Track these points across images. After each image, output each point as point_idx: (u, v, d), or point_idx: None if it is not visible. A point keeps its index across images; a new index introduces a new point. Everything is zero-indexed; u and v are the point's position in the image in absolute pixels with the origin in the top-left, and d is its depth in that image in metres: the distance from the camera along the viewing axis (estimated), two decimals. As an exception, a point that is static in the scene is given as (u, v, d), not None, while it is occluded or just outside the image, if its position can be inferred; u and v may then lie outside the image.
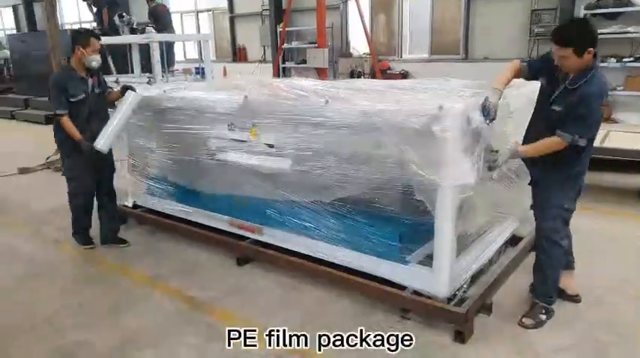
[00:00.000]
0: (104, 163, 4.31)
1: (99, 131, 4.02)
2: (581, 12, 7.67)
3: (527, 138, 3.08)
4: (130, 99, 4.14)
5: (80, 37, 4.06)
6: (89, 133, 4.01)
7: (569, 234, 3.20)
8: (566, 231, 3.12)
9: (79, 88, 4.03)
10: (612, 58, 7.62)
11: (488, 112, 2.76)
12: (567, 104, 2.79)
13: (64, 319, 3.34)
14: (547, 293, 3.13)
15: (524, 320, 3.09)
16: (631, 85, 7.52)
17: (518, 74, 3.10)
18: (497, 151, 2.88)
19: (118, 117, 4.09)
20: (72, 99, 3.99)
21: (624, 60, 7.52)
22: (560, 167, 2.95)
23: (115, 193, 4.55)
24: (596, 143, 5.39)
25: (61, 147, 4.24)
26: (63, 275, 4.02)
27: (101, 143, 3.98)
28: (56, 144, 4.27)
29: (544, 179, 3.07)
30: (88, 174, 4.22)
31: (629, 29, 7.43)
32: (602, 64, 7.66)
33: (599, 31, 7.41)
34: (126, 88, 4.22)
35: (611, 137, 5.79)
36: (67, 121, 3.99)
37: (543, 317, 3.08)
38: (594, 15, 7.70)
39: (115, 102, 4.30)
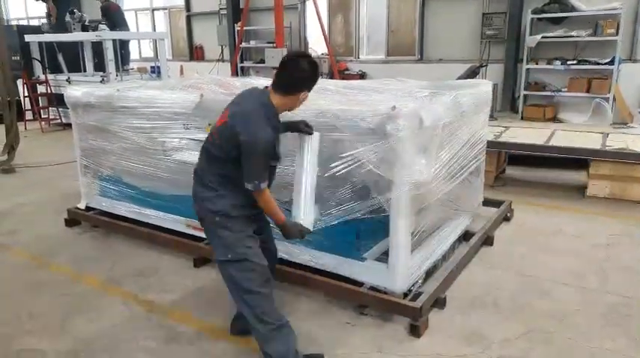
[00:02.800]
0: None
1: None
2: (528, 16, 8.00)
3: None
4: (313, 147, 2.80)
5: (313, 76, 2.55)
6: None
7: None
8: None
9: (279, 144, 2.65)
10: (557, 61, 7.97)
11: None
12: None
13: (12, 328, 3.21)
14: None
15: None
16: (574, 87, 7.89)
17: None
18: None
19: (311, 179, 2.77)
20: (272, 164, 2.63)
21: (568, 62, 7.88)
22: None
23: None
24: (542, 141, 5.72)
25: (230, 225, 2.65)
26: (10, 281, 3.86)
27: (308, 220, 2.73)
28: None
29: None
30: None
31: (573, 33, 7.80)
32: (548, 67, 8.05)
33: (545, 34, 7.84)
34: (298, 130, 2.78)
35: (556, 136, 6.08)
36: (269, 197, 2.56)
37: None
38: (540, 19, 8.04)
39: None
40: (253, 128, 2.39)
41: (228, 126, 2.48)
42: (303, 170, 2.76)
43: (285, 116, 2.69)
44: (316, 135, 2.79)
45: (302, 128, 2.75)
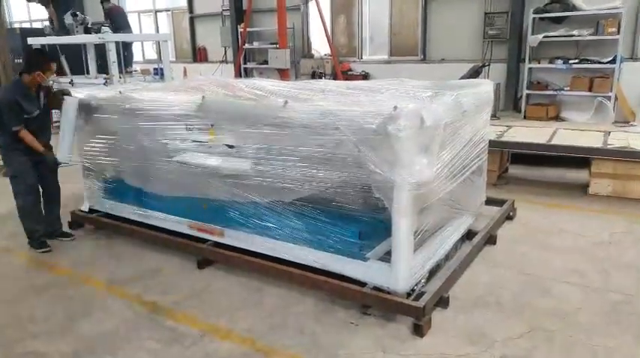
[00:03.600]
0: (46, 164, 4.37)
1: (44, 139, 4.27)
2: (530, 15, 7.99)
3: None
4: (69, 107, 4.34)
5: (41, 62, 4.14)
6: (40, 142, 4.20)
7: None
8: None
9: (34, 105, 4.18)
10: (559, 60, 7.97)
11: None
12: None
13: (14, 331, 3.23)
14: None
15: None
16: (577, 86, 7.88)
17: None
18: None
19: (67, 127, 4.34)
20: (27, 116, 4.12)
21: (570, 62, 7.88)
22: None
23: (59, 188, 4.59)
24: (545, 140, 5.72)
25: (12, 157, 4.26)
26: (13, 283, 3.88)
27: (64, 156, 4.33)
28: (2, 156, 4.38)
29: None
30: (35, 175, 4.32)
31: (574, 32, 7.79)
32: (550, 66, 8.04)
33: (547, 34, 7.84)
34: (62, 94, 4.38)
35: (559, 135, 6.08)
36: (26, 134, 4.14)
37: None
38: (542, 19, 8.04)
39: (58, 110, 4.47)
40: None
41: None
42: (64, 122, 4.35)
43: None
44: (74, 98, 4.37)
45: (64, 91, 4.43)
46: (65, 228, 4.76)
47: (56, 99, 4.37)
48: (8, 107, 4.05)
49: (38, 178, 4.37)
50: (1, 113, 4.08)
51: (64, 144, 4.32)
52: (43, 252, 4.37)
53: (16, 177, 4.29)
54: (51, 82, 4.28)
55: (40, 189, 4.45)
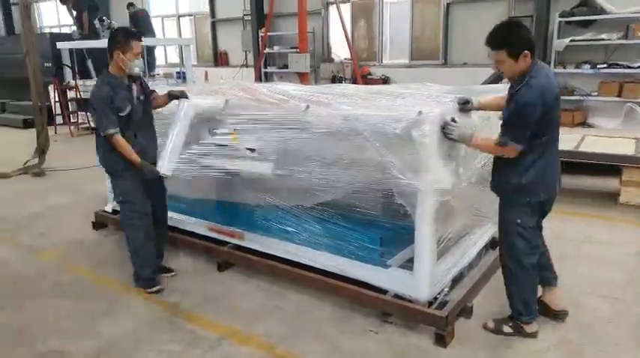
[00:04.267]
0: (156, 182, 3.62)
1: (147, 145, 3.56)
2: (556, 19, 7.84)
3: None
4: (184, 110, 3.48)
5: (119, 39, 3.38)
6: (137, 148, 3.46)
7: (540, 248, 3.04)
8: (528, 247, 2.89)
9: (125, 98, 3.41)
10: (586, 65, 7.78)
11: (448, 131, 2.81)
12: (508, 110, 2.73)
13: (38, 330, 3.26)
14: (515, 308, 3.00)
15: (488, 322, 3.08)
16: (605, 91, 7.68)
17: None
18: (457, 124, 2.82)
19: (175, 133, 3.46)
20: (120, 114, 3.38)
21: (598, 66, 7.69)
22: (507, 178, 2.86)
23: (166, 209, 3.91)
24: (572, 147, 5.56)
25: (113, 170, 3.60)
26: (38, 283, 3.93)
27: (165, 167, 3.41)
28: (106, 168, 3.64)
29: (496, 191, 3.02)
30: (145, 197, 3.58)
31: (603, 36, 7.60)
32: (576, 71, 7.86)
33: (573, 38, 7.67)
34: (174, 96, 3.58)
35: (586, 141, 5.93)
36: (121, 140, 3.37)
37: (508, 329, 3.00)
38: (569, 23, 7.88)
39: (161, 112, 3.79)
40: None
41: None
42: (173, 127, 3.48)
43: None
44: (192, 102, 3.54)
45: (181, 93, 3.57)
46: (89, 228, 4.81)
47: (163, 98, 3.65)
48: (100, 104, 3.32)
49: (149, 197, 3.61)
50: (94, 114, 3.46)
51: (168, 153, 3.44)
52: (153, 292, 3.64)
53: (126, 203, 3.56)
54: (137, 70, 3.42)
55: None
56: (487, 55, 2.77)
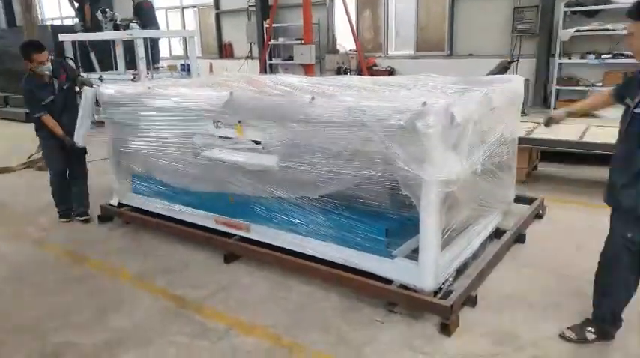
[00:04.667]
0: (73, 149, 4.79)
1: (71, 122, 4.63)
2: (561, 9, 7.78)
3: (616, 159, 2.74)
4: (88, 96, 4.64)
5: (24, 52, 4.49)
6: (61, 125, 4.65)
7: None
8: (629, 261, 2.70)
9: (47, 91, 4.61)
10: (591, 55, 7.73)
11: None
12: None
13: (48, 321, 3.31)
14: (598, 315, 2.88)
15: (565, 331, 2.91)
16: (610, 81, 7.61)
17: (606, 102, 2.98)
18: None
19: (83, 114, 4.66)
20: (43, 103, 4.59)
21: (603, 56, 7.63)
22: (629, 182, 2.56)
23: (86, 172, 5.10)
24: (576, 137, 5.55)
25: (41, 139, 4.89)
26: (47, 276, 3.99)
27: (80, 140, 4.69)
28: (39, 137, 4.88)
29: (611, 199, 2.77)
30: (62, 158, 4.85)
31: (608, 26, 7.53)
32: (581, 61, 7.81)
33: (579, 28, 7.62)
34: (82, 84, 4.75)
35: (591, 131, 5.91)
36: (49, 120, 4.63)
37: (591, 335, 2.86)
38: (574, 13, 7.82)
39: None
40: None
41: None
42: (81, 109, 4.64)
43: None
44: (93, 89, 4.64)
45: (85, 81, 4.74)
46: (95, 222, 4.88)
47: (72, 87, 4.81)
48: (26, 96, 4.62)
49: (66, 160, 4.86)
50: (25, 101, 4.71)
51: (80, 130, 4.65)
52: (64, 221, 5.00)
53: (47, 158, 4.99)
54: (47, 72, 4.55)
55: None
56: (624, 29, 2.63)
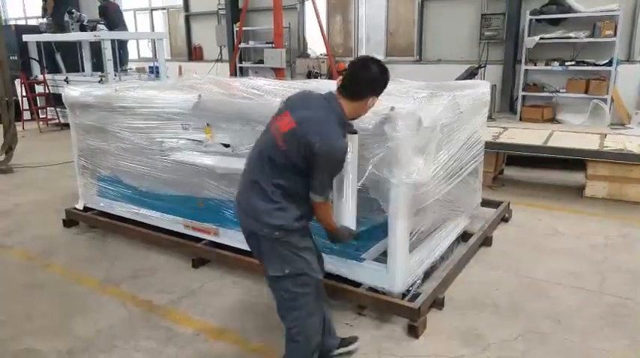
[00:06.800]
0: None
1: None
2: (526, 17, 8.00)
3: None
4: (353, 148, 2.56)
5: (384, 81, 2.43)
6: None
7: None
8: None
9: None
10: (555, 62, 7.99)
11: None
12: None
13: (9, 328, 3.20)
14: None
15: None
16: (572, 88, 7.90)
17: None
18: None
19: (354, 181, 2.64)
20: None
21: (566, 64, 7.89)
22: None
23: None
24: (540, 142, 5.72)
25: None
26: (9, 281, 3.85)
27: (352, 221, 2.65)
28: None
29: None
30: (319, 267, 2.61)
31: (571, 34, 7.80)
32: (546, 67, 8.05)
33: (543, 35, 7.85)
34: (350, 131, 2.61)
35: (555, 137, 6.10)
36: (330, 207, 2.51)
37: None
38: (539, 21, 8.06)
39: None
40: (331, 137, 2.22)
41: (298, 134, 2.22)
42: (346, 172, 2.55)
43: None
44: (355, 136, 2.58)
45: (348, 129, 2.47)
46: (60, 226, 4.73)
47: None
48: (339, 158, 2.33)
49: None
50: (328, 167, 2.32)
51: (349, 209, 2.65)
52: None
53: (300, 276, 2.41)
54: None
55: None
56: None
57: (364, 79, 2.35)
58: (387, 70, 2.40)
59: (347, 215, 2.61)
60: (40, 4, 11.22)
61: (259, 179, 2.34)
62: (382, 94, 2.47)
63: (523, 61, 8.27)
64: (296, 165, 2.26)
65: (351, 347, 2.83)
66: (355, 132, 2.55)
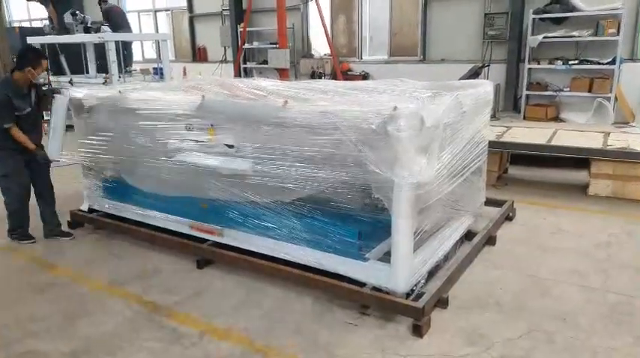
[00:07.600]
0: (41, 164, 4.41)
1: (35, 136, 4.31)
2: (530, 16, 7.99)
3: None
4: (59, 105, 4.36)
5: (32, 57, 4.18)
6: (28, 138, 4.28)
7: None
8: None
9: (26, 102, 4.23)
10: (559, 61, 7.97)
11: None
12: None
13: (14, 330, 3.22)
14: None
15: None
16: (576, 86, 7.88)
17: None
18: None
19: (57, 125, 4.35)
20: (18, 114, 4.16)
21: (570, 62, 7.88)
22: None
23: (52, 186, 4.63)
24: (544, 141, 5.72)
25: (4, 156, 4.26)
26: (14, 283, 3.88)
27: (55, 154, 4.36)
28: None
29: None
30: (26, 174, 4.38)
31: (574, 33, 7.79)
32: (550, 66, 8.03)
33: (547, 34, 7.83)
34: (52, 92, 4.43)
35: (558, 135, 6.09)
36: (17, 132, 4.17)
37: None
38: (542, 20, 8.04)
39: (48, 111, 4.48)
40: None
41: None
42: (53, 119, 4.33)
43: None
44: (64, 97, 4.35)
45: (55, 90, 4.45)
46: (65, 228, 4.77)
47: (46, 98, 4.39)
48: (0, 104, 4.07)
49: (30, 177, 4.42)
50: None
51: (54, 142, 4.35)
52: (27, 243, 4.51)
53: (7, 176, 4.29)
54: (41, 80, 4.36)
55: (32, 188, 4.50)
56: None
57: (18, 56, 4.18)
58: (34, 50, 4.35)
59: (51, 144, 4.33)
60: (46, 11, 11.32)
61: None
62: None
63: (527, 60, 8.25)
64: None
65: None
66: (59, 93, 4.37)
